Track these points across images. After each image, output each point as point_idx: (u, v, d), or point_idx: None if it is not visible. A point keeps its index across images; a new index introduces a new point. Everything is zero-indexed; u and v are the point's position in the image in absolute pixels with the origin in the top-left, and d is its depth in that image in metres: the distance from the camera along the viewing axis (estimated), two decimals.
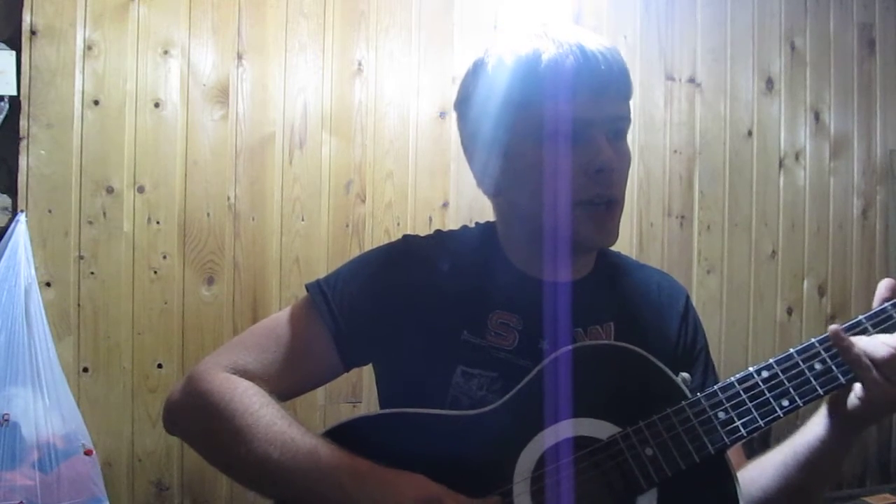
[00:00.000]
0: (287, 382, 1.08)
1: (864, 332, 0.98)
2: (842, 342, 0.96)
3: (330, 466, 0.94)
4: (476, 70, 1.14)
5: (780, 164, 3.03)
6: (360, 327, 1.10)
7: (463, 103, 1.16)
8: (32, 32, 2.06)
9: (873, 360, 0.94)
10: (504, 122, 1.08)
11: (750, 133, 2.98)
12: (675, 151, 2.85)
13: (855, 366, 0.95)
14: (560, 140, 1.03)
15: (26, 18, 2.05)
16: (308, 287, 1.14)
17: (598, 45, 1.05)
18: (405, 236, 1.20)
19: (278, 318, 1.13)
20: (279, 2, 2.34)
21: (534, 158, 1.05)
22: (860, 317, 0.99)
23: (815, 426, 1.03)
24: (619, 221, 1.09)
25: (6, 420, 1.86)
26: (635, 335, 1.09)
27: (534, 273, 1.13)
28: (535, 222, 1.09)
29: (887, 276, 1.02)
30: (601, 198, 1.05)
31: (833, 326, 0.97)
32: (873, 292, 1.02)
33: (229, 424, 0.99)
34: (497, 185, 1.13)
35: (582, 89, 1.03)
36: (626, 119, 1.09)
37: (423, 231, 1.25)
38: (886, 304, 0.99)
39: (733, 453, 1.01)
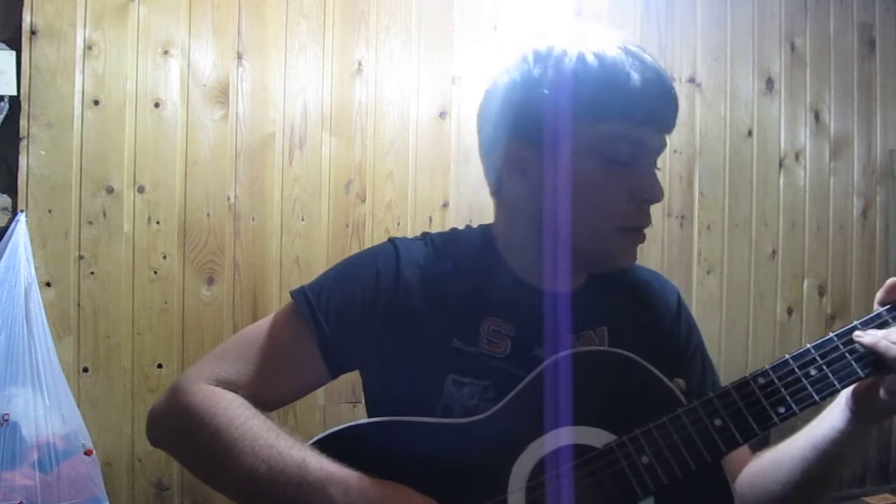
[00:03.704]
0: (272, 392, 1.07)
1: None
2: (866, 338, 0.95)
3: (318, 480, 0.92)
4: (548, 61, 1.04)
5: (780, 164, 3.03)
6: (346, 334, 1.07)
7: (531, 93, 1.04)
8: (32, 32, 2.06)
9: None
10: (572, 131, 1.01)
11: (750, 133, 2.98)
12: (675, 151, 2.85)
13: (887, 354, 0.93)
14: (620, 164, 1.02)
15: (26, 18, 2.05)
16: (292, 294, 1.11)
17: (658, 65, 1.04)
18: (392, 239, 1.16)
19: (261, 326, 1.10)
20: (279, 2, 2.34)
21: (588, 177, 1.02)
22: (855, 323, 0.99)
23: (835, 418, 1.01)
24: None
25: (6, 420, 1.86)
26: (628, 338, 1.08)
27: (532, 281, 1.11)
28: (559, 237, 1.05)
29: (887, 276, 1.01)
30: (643, 226, 1.06)
31: (857, 332, 0.97)
32: (873, 292, 1.02)
33: (215, 440, 0.97)
34: (527, 194, 1.08)
35: (655, 116, 1.03)
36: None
37: (424, 231, 1.23)
38: (882, 310, 0.99)
39: (739, 449, 0.99)
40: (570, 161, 1.02)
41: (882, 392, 0.95)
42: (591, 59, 1.01)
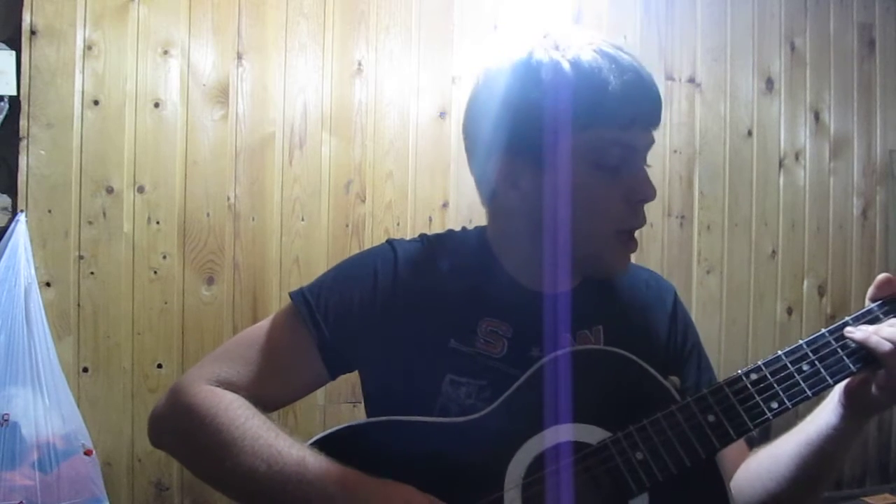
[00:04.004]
0: (272, 393, 1.07)
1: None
2: (857, 333, 0.95)
3: (317, 478, 0.93)
4: (527, 72, 1.03)
5: (780, 164, 3.03)
6: (345, 336, 1.08)
7: (512, 106, 1.04)
8: (32, 32, 2.07)
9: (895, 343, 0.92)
10: (559, 141, 1.00)
11: (750, 133, 2.98)
12: (675, 151, 2.85)
13: (878, 349, 0.93)
14: (611, 169, 1.02)
15: (26, 18, 2.06)
16: (291, 296, 1.11)
17: (637, 63, 1.04)
18: (389, 241, 1.16)
19: (261, 327, 1.11)
20: (279, 2, 2.35)
21: (580, 184, 1.01)
22: (847, 318, 0.99)
23: (828, 414, 1.02)
24: None
25: (6, 420, 1.86)
26: (625, 338, 1.08)
27: (528, 283, 1.11)
28: (555, 244, 1.05)
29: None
30: (639, 226, 1.06)
31: (848, 328, 0.97)
32: None
33: (215, 439, 0.98)
34: (520, 203, 1.07)
35: (639, 117, 1.03)
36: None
37: (424, 231, 1.23)
38: (873, 306, 0.99)
39: (735, 445, 1.00)
40: (561, 171, 1.02)
41: (873, 387, 0.95)
42: (567, 67, 1.00)
